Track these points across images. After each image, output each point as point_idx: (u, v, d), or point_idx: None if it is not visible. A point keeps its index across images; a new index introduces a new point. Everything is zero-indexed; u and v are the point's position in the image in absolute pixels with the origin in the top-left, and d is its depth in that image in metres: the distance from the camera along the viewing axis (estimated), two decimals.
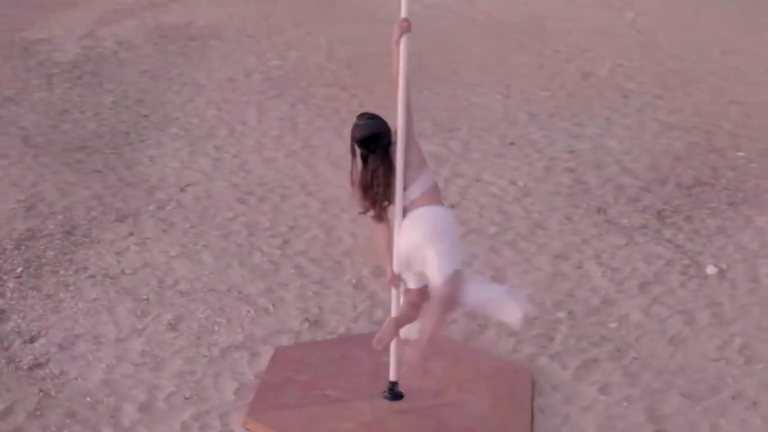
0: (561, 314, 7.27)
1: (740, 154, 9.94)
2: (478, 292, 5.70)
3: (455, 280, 5.35)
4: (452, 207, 8.64)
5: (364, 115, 5.67)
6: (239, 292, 7.51)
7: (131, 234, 8.31)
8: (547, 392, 6.46)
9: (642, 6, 15.08)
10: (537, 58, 12.89)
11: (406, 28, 5.46)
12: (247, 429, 6.04)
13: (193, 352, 6.83)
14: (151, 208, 8.76)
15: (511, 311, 5.69)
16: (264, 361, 6.72)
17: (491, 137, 10.39)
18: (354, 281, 7.69)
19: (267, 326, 7.11)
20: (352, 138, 5.61)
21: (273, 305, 7.36)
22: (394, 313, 5.96)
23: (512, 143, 10.25)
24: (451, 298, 5.40)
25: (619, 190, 9.18)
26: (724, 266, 7.88)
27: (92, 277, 7.68)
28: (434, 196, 5.57)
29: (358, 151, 5.66)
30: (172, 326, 7.11)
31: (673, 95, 11.57)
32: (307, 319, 7.20)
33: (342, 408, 6.19)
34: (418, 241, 5.45)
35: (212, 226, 8.45)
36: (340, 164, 9.37)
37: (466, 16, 14.70)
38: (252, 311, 7.29)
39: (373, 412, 6.16)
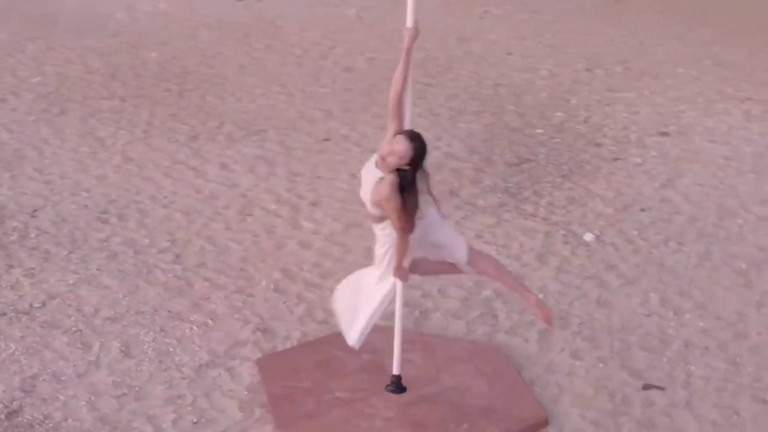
0: (487, 293, 7.53)
1: (539, 131, 10.64)
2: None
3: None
4: (314, 206, 8.81)
5: (415, 135, 5.44)
6: (168, 311, 7.15)
7: (11, 266, 7.62)
8: (526, 365, 6.70)
9: (360, 2, 15.48)
10: (290, 57, 12.96)
11: (415, 34, 5.45)
12: None
13: (166, 376, 6.46)
14: (13, 238, 8.05)
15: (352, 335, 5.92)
16: (245, 375, 6.48)
17: (301, 135, 10.42)
18: (272, 286, 7.52)
19: (220, 340, 6.84)
20: (423, 154, 5.44)
21: (211, 319, 7.07)
22: (399, 304, 5.97)
23: (327, 139, 10.32)
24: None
25: (456, 174, 9.55)
26: (597, 233, 8.47)
27: (3, 315, 7.00)
28: None
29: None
30: (126, 353, 6.66)
31: (440, 82, 12.09)
32: (258, 329, 6.98)
33: (360, 407, 6.14)
34: None
35: (92, 249, 7.93)
36: (173, 174, 9.13)
37: (195, 21, 14.43)
38: (194, 327, 6.98)
39: (390, 407, 6.15)
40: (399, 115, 5.53)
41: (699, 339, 7.02)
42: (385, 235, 5.69)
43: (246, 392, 6.32)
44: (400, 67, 5.48)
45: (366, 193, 5.59)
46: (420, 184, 5.43)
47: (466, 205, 8.91)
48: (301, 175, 9.46)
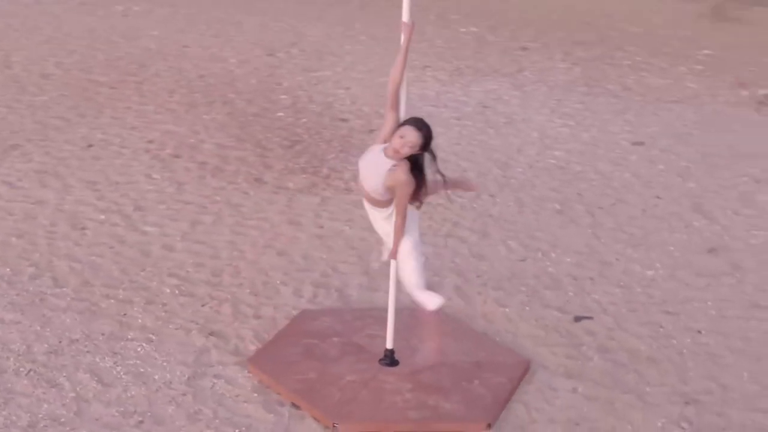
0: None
1: (281, 114, 10.74)
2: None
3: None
4: (140, 210, 8.33)
5: (421, 123, 5.47)
6: (102, 334, 6.51)
7: None
8: (469, 322, 6.91)
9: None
10: None
11: (412, 29, 5.50)
12: None
13: (165, 396, 5.93)
14: None
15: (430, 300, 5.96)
16: (239, 378, 6.11)
17: (61, 144, 9.74)
18: (177, 291, 7.11)
19: (182, 352, 6.36)
20: (431, 139, 5.49)
21: (152, 334, 6.59)
22: (392, 282, 5.99)
23: (90, 145, 9.73)
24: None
25: (244, 162, 9.44)
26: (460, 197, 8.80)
27: None
28: None
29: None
30: (102, 382, 6.02)
31: (147, 79, 11.72)
32: (209, 333, 6.62)
33: (378, 385, 6.00)
34: None
35: None
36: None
37: None
38: (144, 344, 6.43)
39: (402, 379, 6.08)
40: (396, 106, 5.57)
41: (579, 272, 7.63)
42: (384, 218, 5.72)
43: (256, 394, 5.95)
44: (398, 61, 5.47)
45: (370, 181, 5.57)
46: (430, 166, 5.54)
47: (281, 189, 8.83)
48: (98, 183, 8.82)
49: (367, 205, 5.72)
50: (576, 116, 11.30)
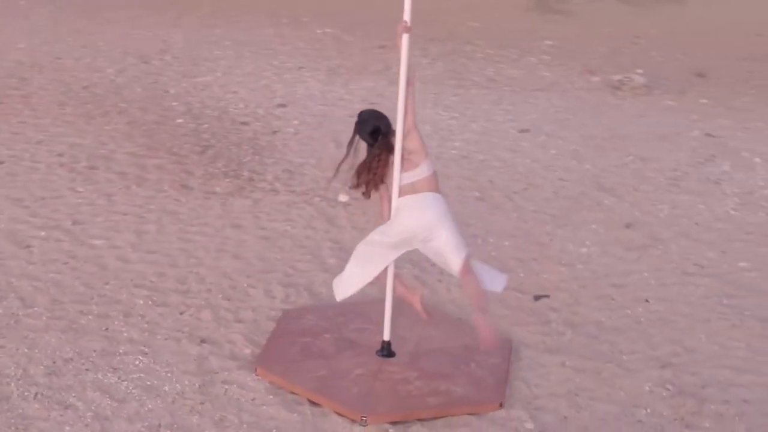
0: None
1: (180, 120, 10.63)
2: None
3: (468, 257, 5.79)
4: (79, 224, 8.17)
5: (366, 112, 5.84)
6: (94, 351, 6.35)
7: None
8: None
9: None
10: None
11: (407, 29, 5.59)
12: None
13: (184, 407, 5.80)
14: None
15: (496, 281, 6.09)
16: (248, 381, 6.10)
17: None
18: (150, 302, 7.00)
19: (181, 361, 6.27)
20: (359, 131, 5.72)
21: (144, 346, 6.49)
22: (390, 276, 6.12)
23: (1, 162, 9.39)
24: (471, 269, 5.80)
25: (163, 169, 9.34)
26: (346, 198, 8.89)
27: None
28: (435, 182, 5.82)
29: (356, 140, 5.79)
30: (115, 398, 5.89)
31: (33, 92, 11.38)
32: (202, 341, 6.57)
33: (387, 377, 6.13)
34: (430, 222, 5.73)
35: None
36: None
37: None
38: (141, 358, 6.31)
39: (406, 369, 6.20)
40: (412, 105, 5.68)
41: (521, 254, 7.94)
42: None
43: (271, 396, 5.95)
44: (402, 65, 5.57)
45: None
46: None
47: (211, 194, 8.79)
48: (24, 199, 8.56)
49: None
50: (458, 108, 11.64)
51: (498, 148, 10.29)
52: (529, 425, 5.69)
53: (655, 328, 6.85)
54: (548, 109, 11.77)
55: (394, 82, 6.09)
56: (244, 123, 10.54)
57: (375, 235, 5.86)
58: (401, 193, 5.72)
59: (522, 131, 10.88)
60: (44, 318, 6.62)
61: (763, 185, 9.56)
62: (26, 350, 6.25)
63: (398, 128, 5.64)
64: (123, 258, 7.51)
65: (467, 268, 5.69)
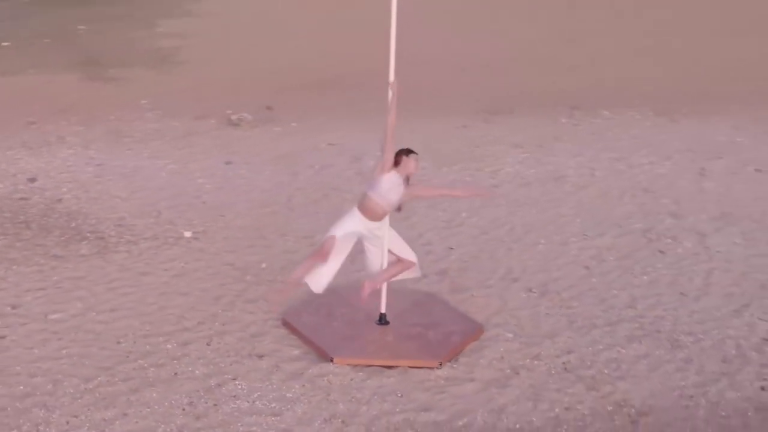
0: None
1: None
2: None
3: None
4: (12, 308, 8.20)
5: (410, 151, 7.24)
6: (98, 371, 7.04)
7: None
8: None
9: None
10: None
11: (396, 88, 7.19)
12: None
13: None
14: None
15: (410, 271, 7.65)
16: (331, 367, 7.12)
17: None
18: (138, 341, 7.55)
19: (270, 379, 7.08)
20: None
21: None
22: (385, 262, 7.49)
23: None
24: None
25: (9, 249, 9.31)
26: (190, 233, 9.74)
27: None
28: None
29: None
30: (151, 407, 6.69)
31: None
32: (259, 357, 7.33)
33: (395, 341, 7.56)
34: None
35: None
36: None
37: None
38: (145, 375, 7.06)
39: (405, 335, 7.60)
40: (392, 144, 7.15)
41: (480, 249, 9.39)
42: (377, 229, 7.29)
43: (362, 373, 7.07)
44: (391, 114, 7.09)
45: (392, 197, 7.16)
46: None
47: (82, 257, 9.06)
48: None
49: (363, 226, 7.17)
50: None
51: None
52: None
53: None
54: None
55: None
56: (24, 198, 10.58)
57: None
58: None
59: (227, 163, 11.96)
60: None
61: None
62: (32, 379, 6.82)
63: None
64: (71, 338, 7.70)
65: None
